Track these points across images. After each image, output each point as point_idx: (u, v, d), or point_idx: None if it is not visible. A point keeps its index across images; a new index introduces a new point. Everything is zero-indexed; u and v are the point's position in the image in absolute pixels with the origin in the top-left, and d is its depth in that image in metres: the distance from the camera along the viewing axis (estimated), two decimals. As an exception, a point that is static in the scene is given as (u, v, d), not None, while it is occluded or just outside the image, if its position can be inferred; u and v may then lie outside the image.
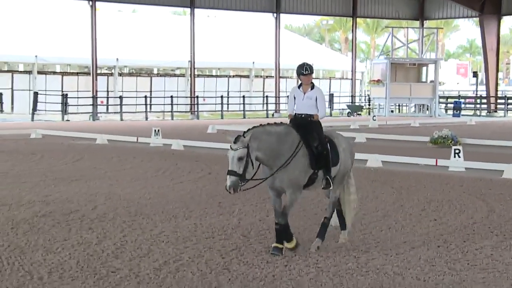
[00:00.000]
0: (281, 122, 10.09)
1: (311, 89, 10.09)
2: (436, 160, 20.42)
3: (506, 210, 13.34)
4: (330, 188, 9.97)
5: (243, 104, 53.45)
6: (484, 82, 60.75)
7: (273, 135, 9.45)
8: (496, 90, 60.23)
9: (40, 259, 9.40)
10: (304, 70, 9.98)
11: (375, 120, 44.84)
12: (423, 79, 57.08)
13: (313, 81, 10.32)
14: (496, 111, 58.46)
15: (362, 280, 8.43)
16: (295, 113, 10.16)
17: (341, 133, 11.34)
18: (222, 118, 50.62)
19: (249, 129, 9.41)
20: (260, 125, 9.78)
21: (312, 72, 10.14)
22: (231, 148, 9.12)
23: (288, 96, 11.11)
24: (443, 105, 59.38)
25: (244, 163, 9.09)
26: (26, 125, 38.76)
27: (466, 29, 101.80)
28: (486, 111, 58.36)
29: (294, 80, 59.89)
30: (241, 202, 13.67)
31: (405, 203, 14.04)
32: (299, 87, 10.23)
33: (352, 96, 62.04)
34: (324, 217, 10.24)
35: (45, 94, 47.97)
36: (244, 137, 9.13)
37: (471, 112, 58.08)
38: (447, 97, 62.67)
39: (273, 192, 9.70)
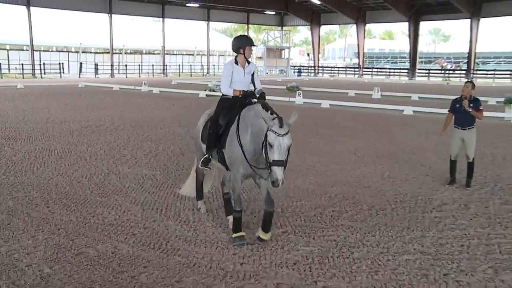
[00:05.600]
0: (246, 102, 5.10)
1: (248, 64, 5.12)
2: (289, 98, 20.61)
3: (323, 121, 13.70)
4: None
5: (190, 69, 52.00)
6: (312, 59, 61.33)
7: None
8: (318, 63, 61.29)
9: (84, 149, 9.15)
10: (254, 42, 5.11)
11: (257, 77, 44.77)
12: (283, 56, 57.16)
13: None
14: (318, 73, 59.38)
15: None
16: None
17: None
18: (179, 76, 49.35)
19: (269, 109, 4.65)
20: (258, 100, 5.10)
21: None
22: (277, 134, 4.22)
23: (223, 72, 5.07)
24: (292, 70, 59.63)
25: (288, 150, 4.21)
26: (76, 79, 36.83)
27: (304, 32, 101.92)
28: (313, 73, 59.22)
29: (215, 56, 58.49)
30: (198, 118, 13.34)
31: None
32: (236, 62, 5.03)
33: (247, 65, 61.39)
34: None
35: (86, 63, 45.67)
36: (275, 117, 4.43)
37: (306, 74, 58.75)
38: (294, 66, 62.94)
39: (246, 178, 4.82)
